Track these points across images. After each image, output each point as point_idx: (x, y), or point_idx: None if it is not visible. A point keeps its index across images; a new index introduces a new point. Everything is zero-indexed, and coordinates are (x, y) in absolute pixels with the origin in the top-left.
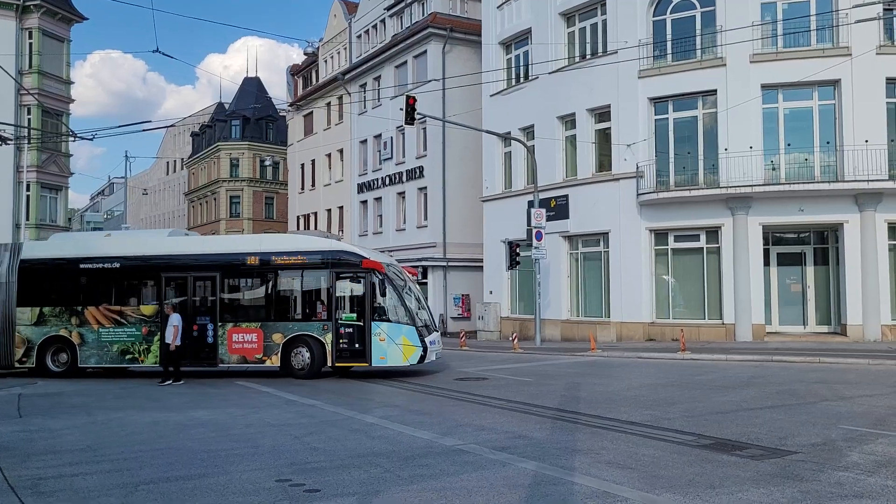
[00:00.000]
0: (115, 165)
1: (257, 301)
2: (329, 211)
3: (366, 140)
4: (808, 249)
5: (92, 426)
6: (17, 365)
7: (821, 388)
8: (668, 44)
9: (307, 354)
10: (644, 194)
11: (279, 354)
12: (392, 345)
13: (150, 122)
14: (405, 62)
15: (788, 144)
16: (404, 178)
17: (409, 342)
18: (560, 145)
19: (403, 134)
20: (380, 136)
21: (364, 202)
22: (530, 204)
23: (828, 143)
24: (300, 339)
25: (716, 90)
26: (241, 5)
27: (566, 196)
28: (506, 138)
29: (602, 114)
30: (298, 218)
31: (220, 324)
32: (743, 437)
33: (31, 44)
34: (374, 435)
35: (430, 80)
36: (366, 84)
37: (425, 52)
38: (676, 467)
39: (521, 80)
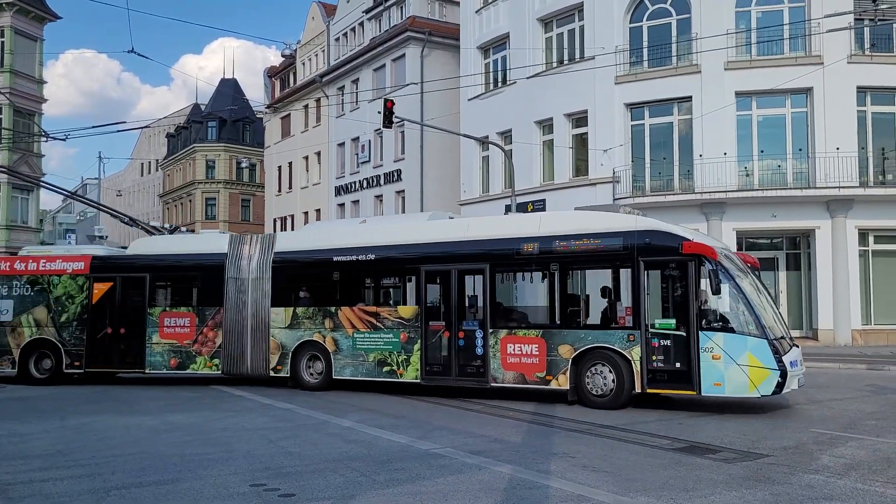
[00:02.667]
0: (88, 166)
1: (537, 301)
2: (306, 214)
3: (343, 143)
4: (781, 255)
5: (64, 431)
6: (272, 374)
7: (793, 392)
8: (645, 50)
9: (609, 375)
10: (620, 199)
11: (568, 373)
12: (732, 365)
13: (124, 122)
14: (383, 65)
15: (762, 151)
16: (382, 182)
17: (758, 362)
18: (537, 150)
19: (381, 137)
20: (357, 139)
21: (341, 205)
22: (507, 208)
23: (800, 150)
24: (596, 353)
25: (691, 97)
26: (218, 6)
27: (543, 200)
28: (484, 142)
29: (579, 119)
30: (275, 220)
31: (491, 330)
32: (716, 440)
33: (2, 42)
34: (350, 439)
35: (408, 84)
36: (344, 87)
37: (404, 55)
38: (651, 470)
39: (500, 84)
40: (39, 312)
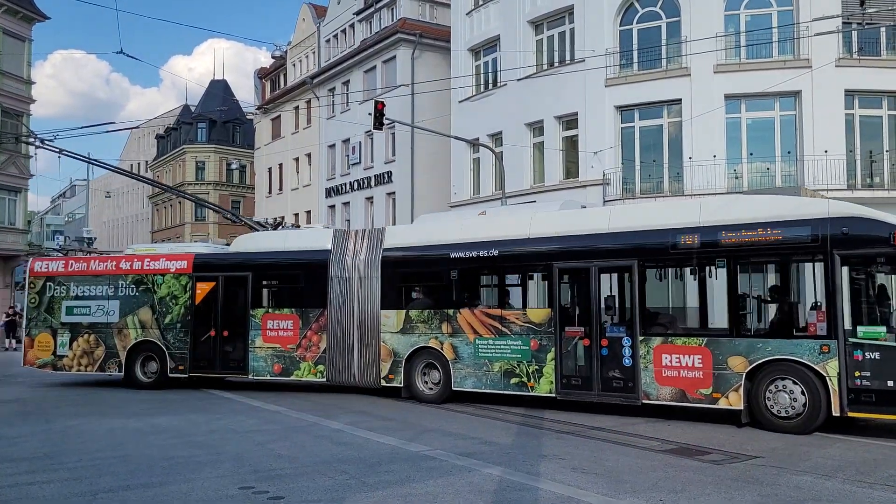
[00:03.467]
0: (76, 167)
1: (698, 304)
2: (297, 215)
3: (334, 144)
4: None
5: (50, 433)
6: (383, 384)
7: None
8: (635, 53)
9: (798, 393)
10: (610, 201)
11: (741, 390)
12: None
13: (113, 123)
14: (374, 67)
15: (751, 154)
16: (373, 183)
17: None
18: (528, 152)
19: (372, 139)
20: (348, 140)
21: (332, 207)
22: None
23: (789, 152)
24: (778, 366)
25: (680, 99)
26: (208, 8)
27: (534, 202)
28: (474, 144)
29: (569, 121)
30: None
31: (641, 338)
32: (706, 442)
33: None
34: (340, 441)
35: (399, 86)
36: (334, 88)
37: (394, 57)
38: (640, 472)
39: (490, 86)
40: (144, 313)
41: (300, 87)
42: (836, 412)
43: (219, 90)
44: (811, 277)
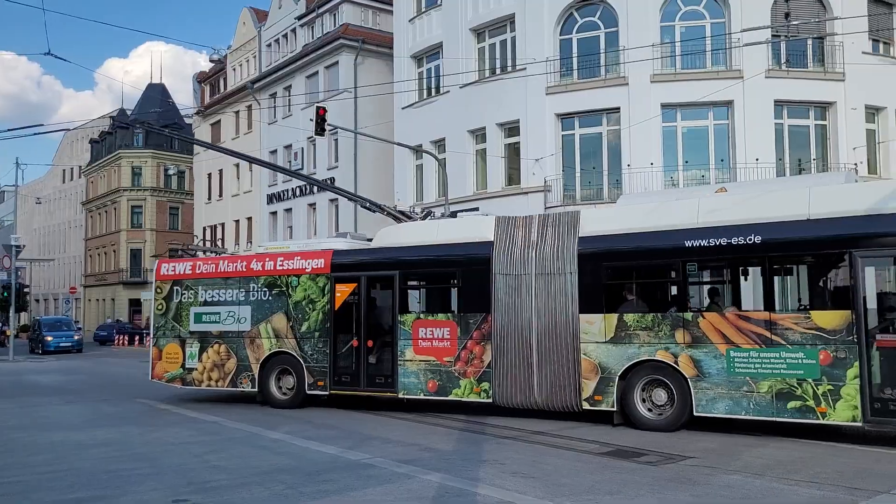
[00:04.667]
0: (5, 173)
1: None
2: (237, 222)
3: (276, 150)
4: None
5: None
6: (584, 406)
7: None
8: (575, 62)
9: None
10: (552, 208)
11: None
12: None
13: (42, 125)
14: (316, 72)
15: (686, 161)
16: (315, 190)
17: None
18: (471, 159)
19: (314, 145)
20: (290, 146)
21: (274, 213)
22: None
23: (722, 160)
24: None
25: (619, 108)
26: (144, 9)
27: (477, 209)
28: (417, 151)
29: (511, 128)
30: (205, 229)
31: None
32: (643, 444)
33: None
34: (279, 451)
35: (341, 91)
36: (276, 93)
37: (337, 63)
38: (578, 475)
39: (433, 93)
40: (279, 321)
41: (240, 91)
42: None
43: (156, 94)
44: None
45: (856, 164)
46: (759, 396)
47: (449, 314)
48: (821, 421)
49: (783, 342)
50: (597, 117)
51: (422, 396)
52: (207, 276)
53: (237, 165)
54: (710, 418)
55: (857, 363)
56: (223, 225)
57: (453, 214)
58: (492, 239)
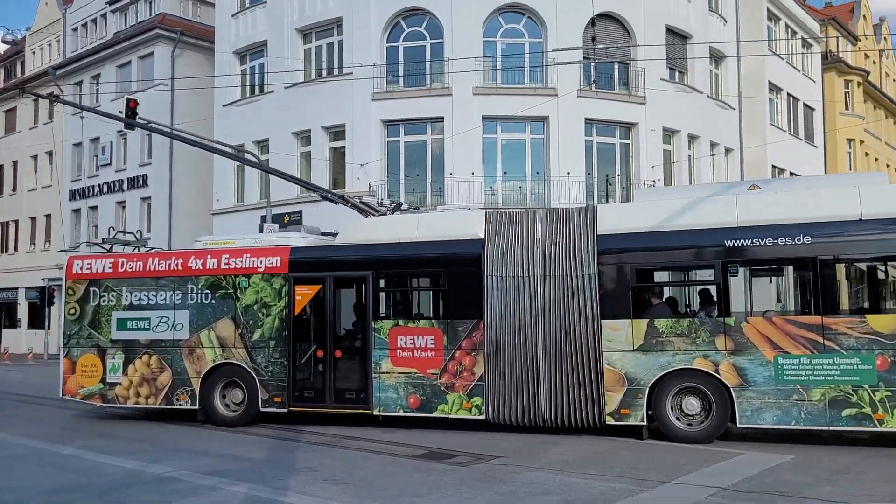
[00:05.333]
0: None
1: None
2: (34, 219)
3: (81, 143)
4: None
5: None
6: (608, 420)
7: None
8: (401, 69)
9: None
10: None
11: None
12: None
13: None
14: (129, 62)
15: (505, 172)
16: (125, 187)
17: None
18: (295, 161)
19: (126, 139)
20: (98, 139)
21: (77, 211)
22: (263, 219)
23: (538, 172)
24: None
25: (443, 117)
26: None
27: (300, 212)
28: (238, 151)
29: (337, 132)
30: None
31: None
32: (455, 446)
33: None
34: (70, 468)
35: (157, 84)
36: (82, 82)
37: (152, 53)
38: (390, 479)
39: (257, 92)
40: (224, 327)
41: (41, 77)
42: None
43: None
44: None
45: (654, 181)
46: (810, 405)
47: (433, 321)
48: (878, 428)
49: (837, 347)
50: (421, 125)
51: (401, 413)
52: (134, 275)
53: (35, 157)
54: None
55: None
56: (17, 222)
57: (414, 208)
58: (482, 236)
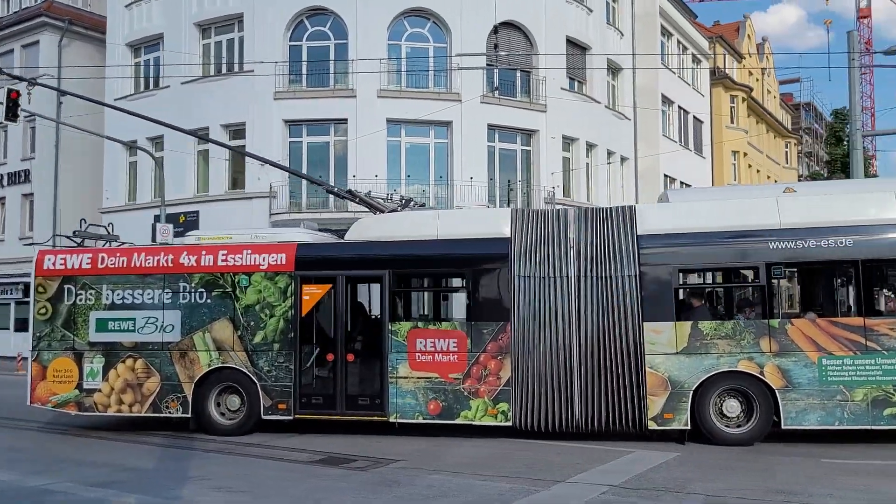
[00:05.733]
0: None
1: None
2: None
3: None
4: None
5: None
6: (651, 426)
7: None
8: (304, 69)
9: None
10: (277, 214)
11: None
12: None
13: None
14: (12, 50)
15: (409, 176)
16: (5, 182)
17: None
18: (192, 159)
19: (6, 131)
20: None
21: None
22: (156, 218)
23: (441, 177)
24: None
25: (347, 119)
26: None
27: (197, 212)
28: (131, 147)
29: (237, 130)
30: None
31: None
32: (353, 450)
33: None
34: None
35: (42, 75)
36: None
37: (37, 42)
38: (286, 486)
39: (151, 86)
40: (221, 329)
41: None
42: None
43: None
44: None
45: (553, 188)
46: (853, 405)
47: (456, 323)
48: None
49: (878, 348)
50: (325, 126)
51: (420, 420)
52: (117, 271)
53: None
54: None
55: None
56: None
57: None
58: (509, 235)
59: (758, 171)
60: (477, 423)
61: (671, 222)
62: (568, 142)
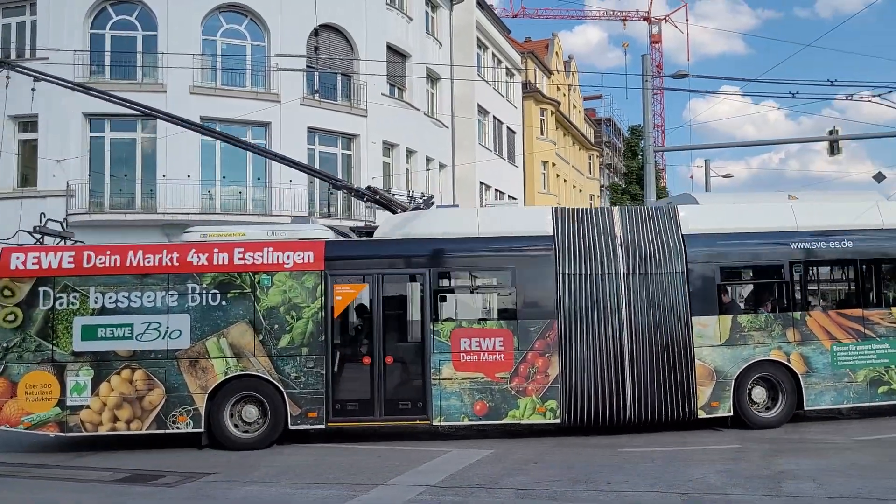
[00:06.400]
0: None
1: None
2: None
3: None
4: None
5: None
6: (700, 414)
7: None
8: (108, 59)
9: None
10: (75, 215)
11: None
12: None
13: None
14: None
15: (223, 177)
16: None
17: None
18: None
19: None
20: None
21: None
22: None
23: (259, 178)
24: None
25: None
26: None
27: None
28: None
29: (28, 123)
30: None
31: None
32: (163, 466)
33: None
34: None
35: None
36: None
37: None
38: None
39: None
40: (239, 333)
41: None
42: None
43: None
44: None
45: None
46: (857, 385)
47: (501, 321)
48: None
49: (873, 335)
50: (131, 122)
51: (466, 422)
52: (108, 271)
53: None
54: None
55: None
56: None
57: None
58: (552, 233)
59: (565, 180)
60: (525, 421)
61: (710, 223)
62: (388, 147)
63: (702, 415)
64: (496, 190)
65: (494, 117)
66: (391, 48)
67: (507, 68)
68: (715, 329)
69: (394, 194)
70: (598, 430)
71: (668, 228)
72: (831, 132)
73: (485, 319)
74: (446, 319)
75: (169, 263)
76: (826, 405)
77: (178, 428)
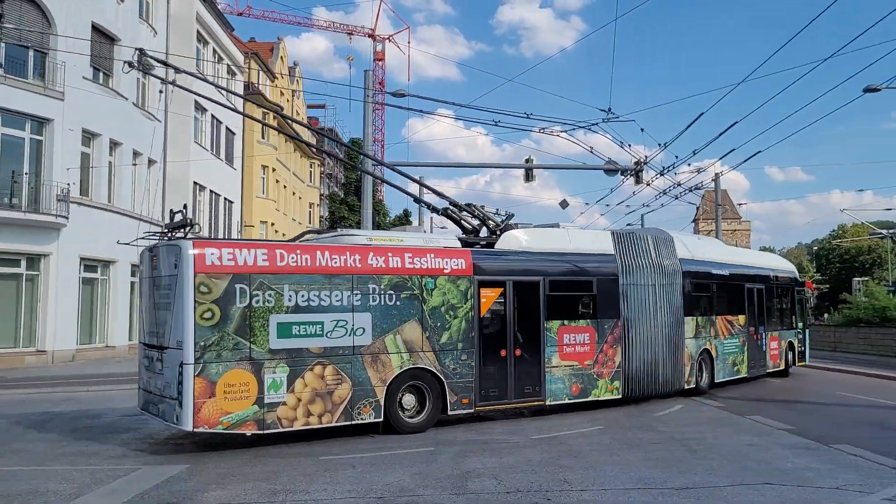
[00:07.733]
0: None
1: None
2: None
3: None
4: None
5: None
6: (685, 386)
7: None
8: None
9: None
10: None
11: None
12: None
13: None
14: None
15: None
16: None
17: None
18: None
19: None
20: None
21: None
22: None
23: None
24: None
25: None
26: None
27: None
28: None
29: None
30: None
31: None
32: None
33: None
34: None
35: None
36: None
37: None
38: None
39: None
40: (411, 331)
41: None
42: None
43: None
44: None
45: (69, 184)
46: (728, 366)
47: (588, 320)
48: (741, 375)
49: (731, 334)
50: None
51: (566, 401)
52: (300, 271)
53: None
54: None
55: (747, 343)
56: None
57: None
58: (613, 252)
59: (284, 186)
60: (602, 398)
61: (688, 251)
62: (88, 136)
63: (685, 386)
64: (212, 191)
65: (213, 116)
66: (97, 28)
67: (228, 66)
68: (691, 326)
69: (509, 214)
70: (636, 401)
71: (670, 254)
72: (527, 160)
73: (578, 318)
74: (554, 318)
75: (353, 265)
76: (721, 379)
77: (362, 419)
